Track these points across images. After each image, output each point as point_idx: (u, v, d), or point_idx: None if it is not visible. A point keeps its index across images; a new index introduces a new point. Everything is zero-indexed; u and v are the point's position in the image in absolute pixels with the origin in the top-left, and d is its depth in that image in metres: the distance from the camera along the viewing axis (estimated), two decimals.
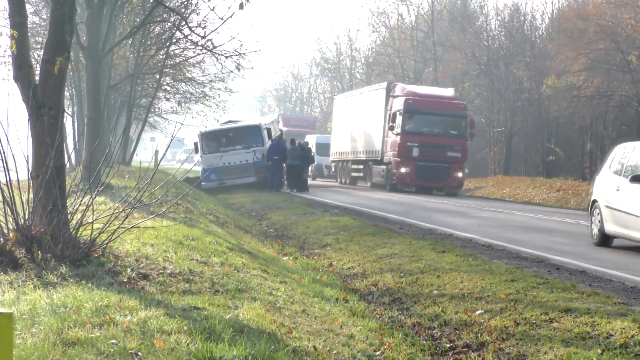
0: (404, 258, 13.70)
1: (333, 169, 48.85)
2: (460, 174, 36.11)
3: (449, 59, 55.80)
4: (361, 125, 41.95)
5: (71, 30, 10.19)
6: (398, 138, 35.65)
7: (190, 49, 32.95)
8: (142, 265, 9.39)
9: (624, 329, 7.98)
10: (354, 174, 43.51)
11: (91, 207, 9.50)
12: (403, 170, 35.55)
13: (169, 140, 11.98)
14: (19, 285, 7.88)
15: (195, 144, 35.34)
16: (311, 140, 53.90)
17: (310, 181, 49.57)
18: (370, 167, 40.01)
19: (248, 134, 35.35)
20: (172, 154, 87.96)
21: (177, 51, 35.06)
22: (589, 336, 8.01)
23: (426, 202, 28.85)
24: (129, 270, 8.92)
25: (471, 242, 15.37)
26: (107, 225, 9.49)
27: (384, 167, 37.68)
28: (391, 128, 36.32)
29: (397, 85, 38.97)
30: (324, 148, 52.15)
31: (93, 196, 9.64)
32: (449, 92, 38.26)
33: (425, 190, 35.97)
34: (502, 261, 12.61)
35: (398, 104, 36.15)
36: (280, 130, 40.11)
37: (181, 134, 65.49)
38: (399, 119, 35.66)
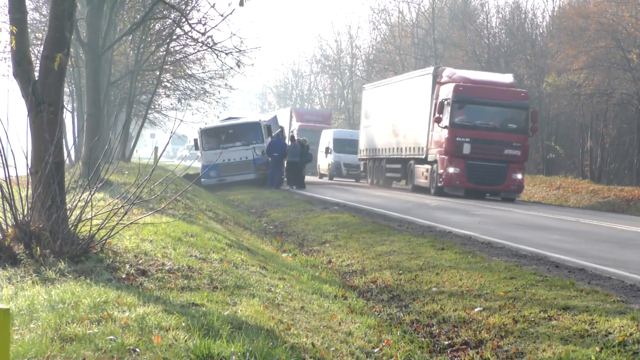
0: (403, 255, 13.69)
1: (362, 168, 43.53)
2: (519, 176, 30.86)
3: (450, 56, 55.77)
4: (400, 117, 36.62)
5: (71, 26, 10.18)
6: (446, 132, 30.58)
7: (190, 45, 32.93)
8: (141, 261, 9.39)
9: (622, 327, 7.98)
10: (389, 175, 38.29)
11: (90, 203, 9.50)
12: (451, 170, 30.30)
13: (169, 137, 11.99)
14: (17, 281, 7.89)
15: (195, 140, 35.41)
16: (328, 135, 49.13)
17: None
18: (411, 166, 34.48)
19: (248, 131, 35.37)
20: (174, 150, 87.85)
21: (177, 48, 35.04)
22: (587, 334, 8.01)
23: (425, 199, 28.83)
24: (128, 267, 8.92)
25: (470, 240, 15.36)
26: (106, 221, 9.49)
27: (428, 166, 32.38)
28: (437, 120, 30.91)
29: (446, 69, 33.36)
30: (342, 144, 47.36)
31: (92, 192, 9.65)
32: (507, 77, 33.05)
33: (477, 194, 31.03)
34: (501, 259, 12.61)
35: (446, 92, 31.03)
36: (281, 127, 40.08)
37: (184, 131, 65.14)
38: (447, 109, 30.55)
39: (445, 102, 30.69)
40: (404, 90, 36.96)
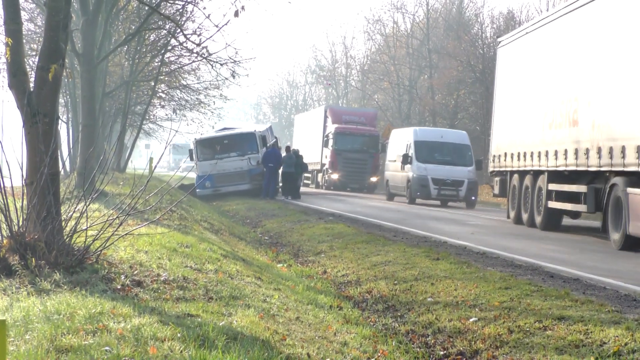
0: (398, 265, 13.70)
1: (496, 190, 25.47)
2: None
3: (444, 66, 55.92)
4: (578, 84, 18.78)
5: (66, 37, 10.20)
6: None
7: (185, 56, 33.04)
8: (136, 272, 9.39)
9: (617, 337, 8.00)
10: (554, 205, 19.94)
11: (85, 214, 9.51)
12: None
13: (164, 148, 12.03)
14: (12, 292, 7.88)
15: (190, 151, 35.48)
16: (403, 136, 34.94)
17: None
18: (616, 191, 16.40)
19: (243, 142, 35.44)
20: (175, 161, 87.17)
21: (172, 58, 35.12)
22: (582, 344, 8.02)
23: (421, 209, 28.83)
24: (123, 277, 8.92)
25: (465, 250, 15.39)
26: (101, 232, 9.50)
27: None
28: None
29: None
30: (428, 150, 32.88)
31: (87, 203, 9.65)
32: None
33: None
34: (496, 269, 12.62)
35: None
36: (275, 138, 40.12)
37: (182, 141, 64.70)
38: None
39: None
40: (582, 26, 18.79)
